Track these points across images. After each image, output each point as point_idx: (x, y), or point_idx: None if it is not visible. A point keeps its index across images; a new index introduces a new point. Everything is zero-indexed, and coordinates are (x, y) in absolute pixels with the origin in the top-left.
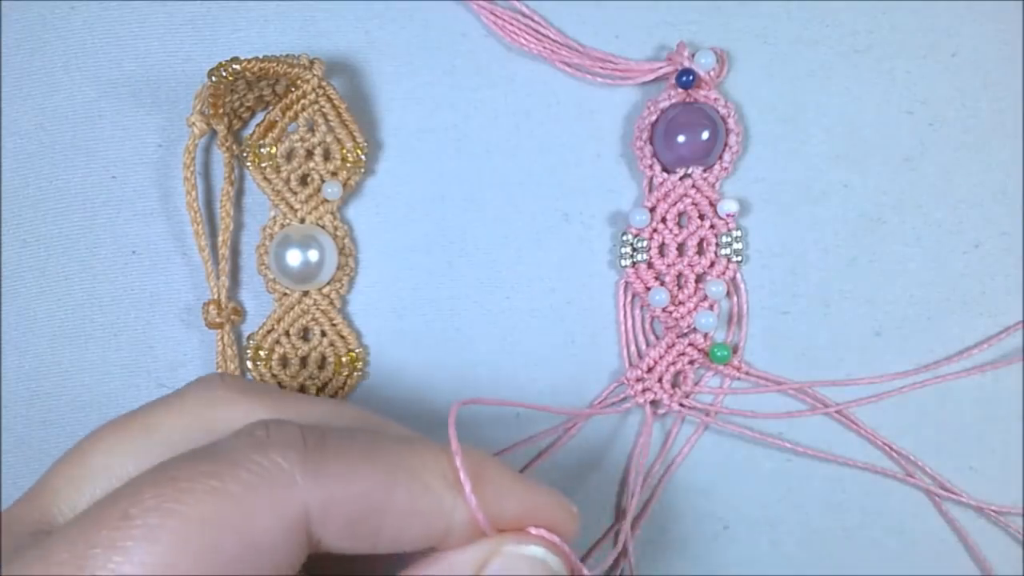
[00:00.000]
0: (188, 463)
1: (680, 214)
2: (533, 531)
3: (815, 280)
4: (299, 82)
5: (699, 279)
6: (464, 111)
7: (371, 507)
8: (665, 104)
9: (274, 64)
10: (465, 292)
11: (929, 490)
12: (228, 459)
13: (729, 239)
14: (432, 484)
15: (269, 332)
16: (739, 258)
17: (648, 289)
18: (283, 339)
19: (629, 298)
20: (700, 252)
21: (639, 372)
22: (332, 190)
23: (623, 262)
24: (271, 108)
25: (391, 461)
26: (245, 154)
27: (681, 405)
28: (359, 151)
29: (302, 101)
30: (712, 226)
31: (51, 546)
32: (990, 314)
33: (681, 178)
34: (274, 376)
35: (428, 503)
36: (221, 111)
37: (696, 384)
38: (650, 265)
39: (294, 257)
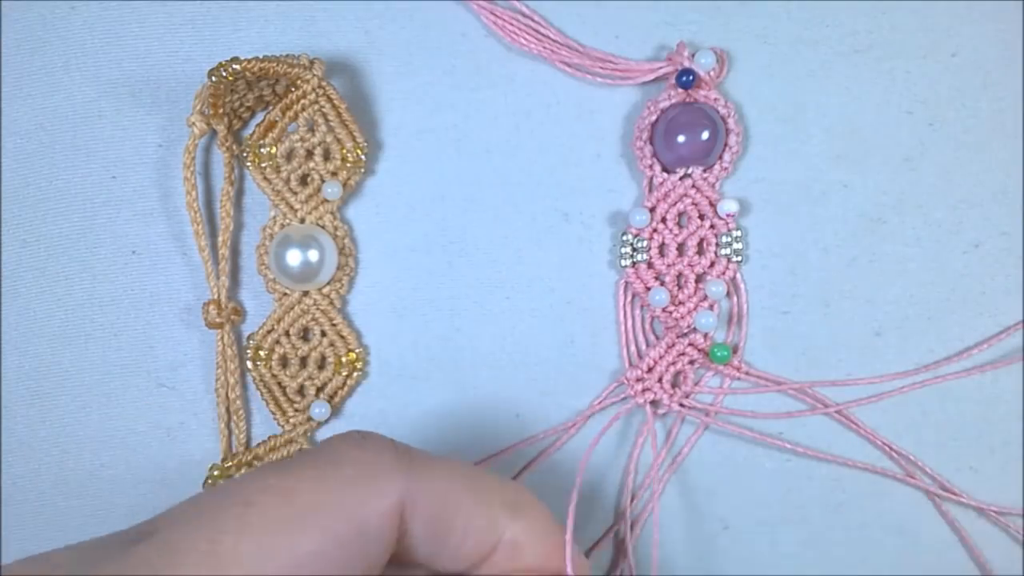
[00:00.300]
0: (295, 460)
1: (680, 214)
2: None
3: (815, 280)
4: (299, 82)
5: (699, 279)
6: (464, 111)
7: (448, 506)
8: (665, 104)
9: (274, 64)
10: (465, 292)
11: (929, 491)
12: (331, 455)
13: (729, 239)
14: (493, 502)
15: (269, 332)
16: (739, 258)
17: (648, 289)
18: (283, 339)
19: (629, 298)
20: (700, 252)
21: (639, 372)
22: (332, 190)
23: (623, 262)
24: (271, 108)
25: (465, 475)
26: (245, 154)
27: (681, 405)
28: (359, 151)
29: (302, 101)
30: (712, 226)
31: (171, 529)
32: (990, 314)
33: (681, 178)
34: (274, 376)
35: (488, 517)
36: (221, 111)
37: (696, 384)
38: (650, 265)
39: (294, 257)
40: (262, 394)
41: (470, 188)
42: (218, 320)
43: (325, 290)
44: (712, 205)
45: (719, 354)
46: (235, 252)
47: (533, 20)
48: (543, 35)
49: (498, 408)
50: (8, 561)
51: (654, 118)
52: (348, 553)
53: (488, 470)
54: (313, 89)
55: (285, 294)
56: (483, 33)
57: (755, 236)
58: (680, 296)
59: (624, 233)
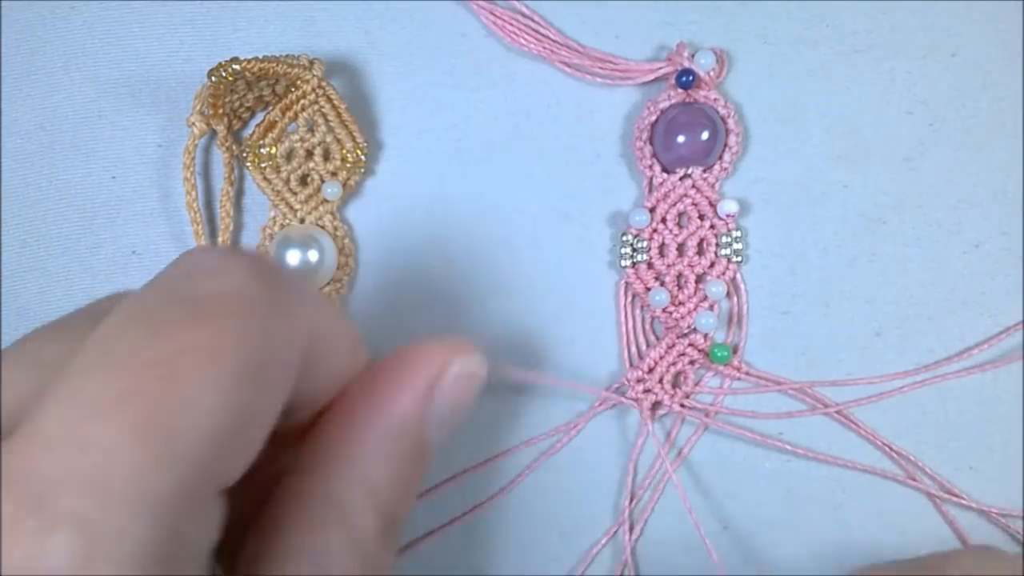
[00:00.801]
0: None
1: (680, 214)
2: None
3: (815, 280)
4: (299, 82)
5: (699, 279)
6: (464, 111)
7: (333, 331)
8: (665, 104)
9: (274, 64)
10: (465, 291)
11: (931, 493)
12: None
13: (729, 239)
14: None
15: None
16: (739, 258)
17: (648, 289)
18: None
19: (629, 298)
20: (700, 252)
21: (639, 372)
22: (332, 190)
23: (623, 262)
24: (271, 108)
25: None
26: (245, 154)
27: (681, 406)
28: (359, 151)
29: (302, 101)
30: (712, 226)
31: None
32: (990, 314)
33: (681, 178)
34: None
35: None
36: (221, 111)
37: (696, 384)
38: (650, 265)
39: (294, 257)
40: None
41: (470, 188)
42: None
43: (325, 290)
44: (712, 205)
45: (719, 354)
46: None
47: (533, 20)
48: (543, 35)
49: (498, 408)
50: None
51: (654, 118)
52: (263, 407)
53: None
54: (313, 89)
55: None
56: (483, 33)
57: (755, 236)
58: (680, 296)
59: (624, 233)
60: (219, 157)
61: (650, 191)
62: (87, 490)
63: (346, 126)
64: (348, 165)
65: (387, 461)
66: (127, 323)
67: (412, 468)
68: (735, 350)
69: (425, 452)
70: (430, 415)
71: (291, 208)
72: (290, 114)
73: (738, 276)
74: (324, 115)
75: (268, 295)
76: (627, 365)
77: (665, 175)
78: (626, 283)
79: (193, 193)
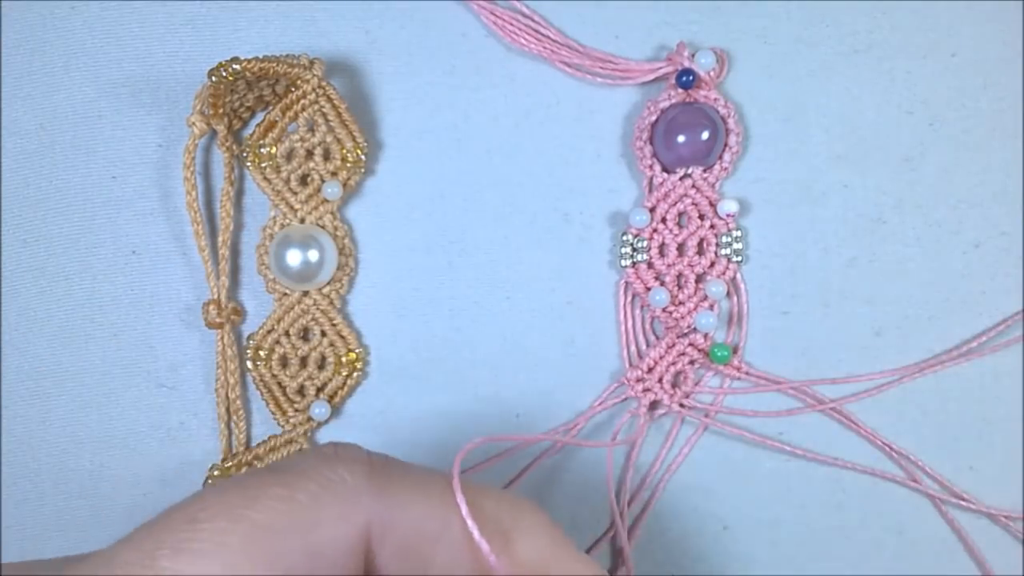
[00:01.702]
0: (257, 474)
1: (680, 214)
2: None
3: (815, 280)
4: (299, 82)
5: (699, 279)
6: (464, 111)
7: (428, 533)
8: (665, 104)
9: (274, 64)
10: (465, 292)
11: (933, 495)
12: (296, 470)
13: (729, 239)
14: (484, 529)
15: (269, 332)
16: (739, 258)
17: (648, 289)
18: (283, 339)
19: (629, 298)
20: (700, 252)
21: (639, 372)
22: (332, 190)
23: (623, 262)
24: (271, 108)
25: (449, 499)
26: (245, 154)
27: (681, 405)
28: (359, 151)
29: (302, 101)
30: (712, 226)
31: (117, 548)
32: (990, 314)
33: (681, 178)
34: (274, 376)
35: (473, 550)
36: (221, 111)
37: (696, 384)
38: (650, 265)
39: (294, 257)
40: (262, 394)
41: (470, 188)
42: (218, 320)
43: (325, 290)
44: (712, 205)
45: (719, 354)
46: (235, 252)
47: (533, 20)
48: (543, 35)
49: (498, 408)
50: (8, 561)
51: (654, 118)
52: None
53: (485, 486)
54: (313, 89)
55: (285, 294)
56: (483, 33)
57: (755, 236)
58: (680, 296)
59: (624, 233)
60: (219, 157)
61: (650, 191)
62: None
63: (346, 126)
64: (348, 165)
65: None
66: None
67: None
68: (735, 350)
69: None
70: None
71: (291, 208)
72: (290, 114)
73: (738, 276)
74: (324, 115)
75: (315, 479)
76: (627, 365)
77: (665, 175)
78: (626, 283)
79: (193, 193)
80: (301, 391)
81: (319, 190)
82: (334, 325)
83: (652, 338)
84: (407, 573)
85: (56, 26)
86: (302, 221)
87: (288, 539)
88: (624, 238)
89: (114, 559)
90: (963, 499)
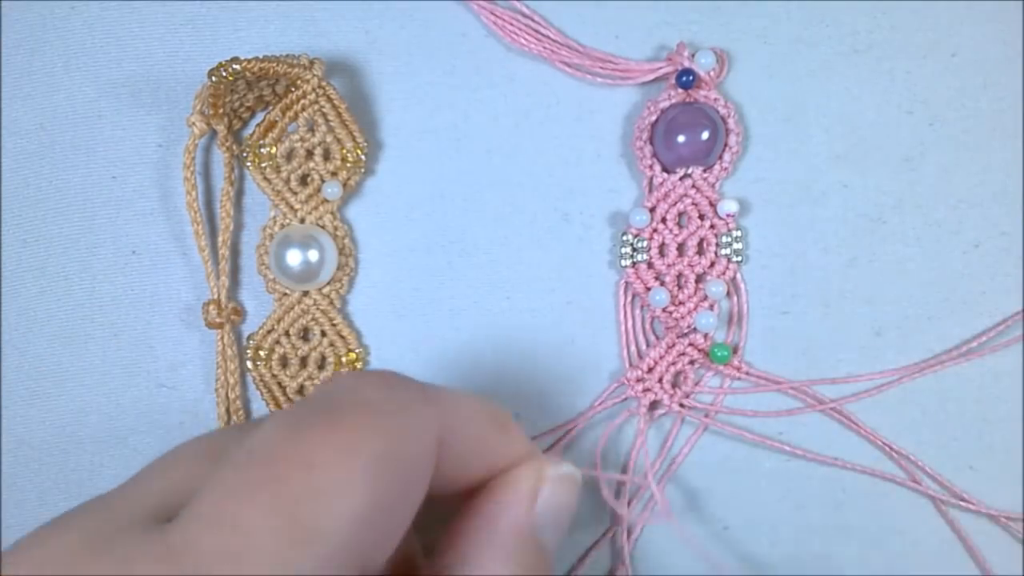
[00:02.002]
0: (331, 415)
1: (680, 214)
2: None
3: (815, 280)
4: (299, 82)
5: (699, 279)
6: (464, 111)
7: (476, 430)
8: (665, 104)
9: (274, 64)
10: (465, 292)
11: (933, 495)
12: (366, 401)
13: (729, 239)
14: (507, 425)
15: (269, 332)
16: (739, 258)
17: (648, 289)
18: (283, 339)
19: (629, 298)
20: (700, 252)
21: (639, 372)
22: (332, 190)
23: (623, 262)
24: (271, 108)
25: (487, 409)
26: (245, 154)
27: (681, 405)
28: (359, 151)
29: (302, 101)
30: (712, 226)
31: (208, 497)
32: (990, 314)
33: (681, 178)
34: (274, 376)
35: (502, 437)
36: (221, 111)
37: (696, 384)
38: (650, 265)
39: (294, 257)
40: (262, 394)
41: (470, 188)
42: (218, 320)
43: (325, 290)
44: (712, 205)
45: (719, 354)
46: (235, 252)
47: (533, 20)
48: (543, 35)
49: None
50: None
51: (654, 118)
52: (399, 498)
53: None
54: (313, 89)
55: (285, 294)
56: (483, 33)
57: (755, 236)
58: (680, 296)
59: (624, 233)
60: (219, 157)
61: (650, 191)
62: (236, 564)
63: (346, 126)
64: (348, 165)
65: (511, 572)
66: (274, 427)
67: (536, 571)
68: (735, 350)
69: (544, 558)
70: (538, 522)
71: (291, 208)
72: (290, 114)
73: (738, 276)
74: (324, 115)
75: (395, 401)
76: (627, 365)
77: (665, 175)
78: (626, 283)
79: (193, 193)
80: (301, 391)
81: (319, 190)
82: (334, 325)
83: (652, 338)
84: (460, 469)
85: (56, 26)
86: (302, 221)
87: (389, 463)
88: (624, 238)
89: (208, 517)
90: (963, 499)
